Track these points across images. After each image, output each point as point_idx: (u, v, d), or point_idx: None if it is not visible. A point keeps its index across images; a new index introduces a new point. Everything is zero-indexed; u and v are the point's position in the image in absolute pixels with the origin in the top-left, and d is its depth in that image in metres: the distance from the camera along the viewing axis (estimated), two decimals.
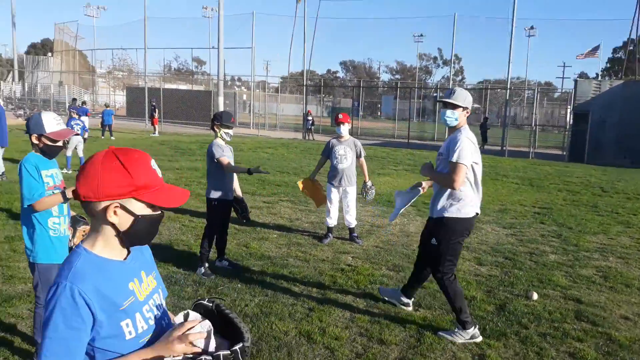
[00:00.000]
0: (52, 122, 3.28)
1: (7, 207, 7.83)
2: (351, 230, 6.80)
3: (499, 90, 55.35)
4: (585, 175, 15.56)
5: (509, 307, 4.66)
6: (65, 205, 3.38)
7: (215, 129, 5.35)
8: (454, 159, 3.81)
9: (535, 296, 4.88)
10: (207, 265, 5.26)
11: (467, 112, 4.02)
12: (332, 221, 6.75)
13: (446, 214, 3.92)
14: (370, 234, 7.21)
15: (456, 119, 3.97)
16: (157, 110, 25.07)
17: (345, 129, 6.64)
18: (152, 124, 24.84)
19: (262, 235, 6.88)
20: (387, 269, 5.67)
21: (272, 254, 6.04)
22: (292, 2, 54.53)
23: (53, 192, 3.25)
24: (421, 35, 55.25)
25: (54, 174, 3.33)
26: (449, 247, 3.94)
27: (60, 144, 3.38)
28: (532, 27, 52.59)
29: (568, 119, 23.92)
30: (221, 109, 32.16)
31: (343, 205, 6.79)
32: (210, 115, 30.69)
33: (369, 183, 6.92)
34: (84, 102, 22.42)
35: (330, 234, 6.80)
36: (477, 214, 4.01)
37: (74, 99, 23.74)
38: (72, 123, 11.58)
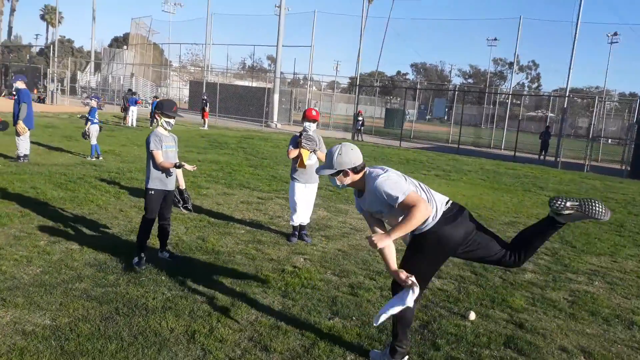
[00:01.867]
0: None
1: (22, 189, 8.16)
2: (302, 227, 6.56)
3: (581, 99, 52.43)
4: (635, 193, 14.26)
5: (432, 325, 4.24)
6: None
7: (157, 117, 5.28)
8: (398, 200, 3.18)
9: (472, 316, 4.42)
10: (142, 255, 5.18)
11: (353, 171, 3.39)
12: (298, 220, 6.51)
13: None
14: (344, 237, 6.89)
15: (342, 185, 3.47)
16: (207, 104, 25.64)
17: (313, 126, 6.38)
18: (203, 117, 25.43)
19: (228, 230, 6.75)
20: (332, 274, 5.36)
21: (223, 249, 5.89)
22: (360, 3, 54.19)
23: None
24: (495, 39, 53.36)
25: None
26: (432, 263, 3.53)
27: None
28: (615, 34, 49.34)
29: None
30: (276, 106, 32.56)
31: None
32: (264, 112, 31.17)
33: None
34: (133, 93, 23.35)
35: (296, 233, 6.56)
36: None
37: (130, 90, 24.73)
38: (95, 113, 11.95)
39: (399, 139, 26.67)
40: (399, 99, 64.23)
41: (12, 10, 60.80)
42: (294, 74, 49.36)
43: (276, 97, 32.56)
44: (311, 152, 6.24)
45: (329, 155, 3.43)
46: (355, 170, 3.39)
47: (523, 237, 3.50)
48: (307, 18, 38.27)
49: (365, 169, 3.44)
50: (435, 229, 3.31)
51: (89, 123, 11.91)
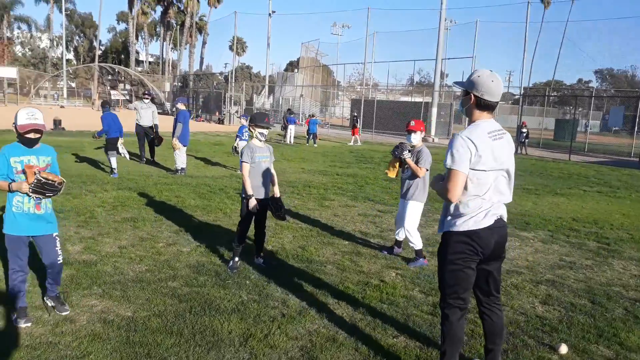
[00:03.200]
0: (23, 117, 3.85)
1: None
2: (398, 243, 6.24)
3: None
4: None
5: (509, 355, 3.72)
6: None
7: (251, 129, 5.52)
8: (447, 164, 3.05)
9: (563, 349, 3.78)
10: (236, 259, 5.45)
11: (481, 100, 3.05)
12: (402, 234, 6.25)
13: (445, 229, 3.22)
14: None
15: (462, 108, 3.24)
16: (357, 121, 26.14)
17: (416, 137, 6.04)
18: (353, 133, 25.96)
19: (332, 240, 6.76)
20: (420, 291, 5.02)
21: (318, 258, 5.92)
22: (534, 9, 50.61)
23: (19, 176, 3.83)
24: None
25: (25, 160, 3.88)
26: (445, 270, 3.17)
27: (31, 135, 3.90)
28: None
29: None
30: (434, 120, 31.92)
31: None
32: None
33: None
34: (292, 112, 24.77)
35: (396, 247, 6.31)
36: (491, 225, 3.07)
37: (289, 109, 26.32)
38: (243, 130, 12.90)
39: (568, 152, 24.19)
40: (579, 109, 58.41)
41: (204, 43, 69.18)
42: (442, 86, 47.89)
43: (434, 110, 31.93)
44: (402, 159, 5.95)
45: (475, 74, 3.16)
46: (479, 103, 3.05)
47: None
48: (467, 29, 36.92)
49: (486, 118, 3.09)
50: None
51: (238, 139, 12.95)
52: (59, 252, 4.08)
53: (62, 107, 51.06)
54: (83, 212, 7.56)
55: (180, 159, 11.92)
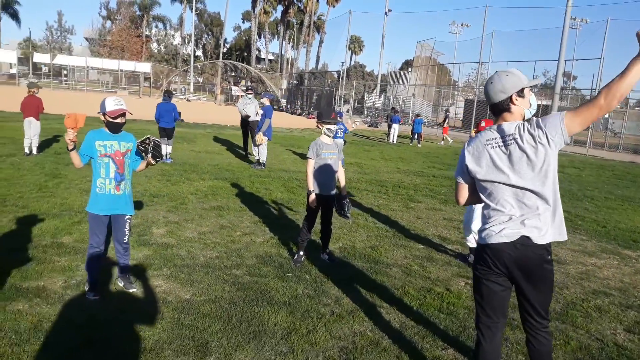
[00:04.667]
0: (111, 103, 4.22)
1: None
2: (473, 251, 5.89)
3: None
4: None
5: None
6: (112, 170, 4.26)
7: (319, 126, 5.52)
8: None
9: None
10: (301, 253, 5.50)
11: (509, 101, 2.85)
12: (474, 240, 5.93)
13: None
14: None
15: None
16: (448, 119, 25.37)
17: None
18: (443, 132, 25.05)
19: (407, 243, 6.57)
20: None
21: (386, 260, 5.78)
22: None
23: (102, 159, 4.19)
24: None
25: (108, 145, 4.24)
26: (473, 283, 3.07)
27: (119, 120, 4.27)
28: None
29: None
30: None
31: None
32: None
33: None
34: (396, 111, 24.42)
35: (471, 255, 5.97)
36: (508, 242, 2.82)
37: (393, 108, 26.00)
38: (337, 128, 12.93)
39: None
40: None
41: (321, 41, 70.62)
42: (591, 89, 44.15)
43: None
44: None
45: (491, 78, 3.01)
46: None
47: None
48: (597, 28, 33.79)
49: (500, 121, 2.87)
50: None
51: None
52: (127, 233, 4.39)
53: (188, 100, 55.03)
54: (176, 198, 8.07)
55: (263, 152, 12.15)
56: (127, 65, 56.94)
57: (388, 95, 49.82)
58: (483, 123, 5.78)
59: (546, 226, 2.84)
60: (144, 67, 57.66)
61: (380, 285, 4.98)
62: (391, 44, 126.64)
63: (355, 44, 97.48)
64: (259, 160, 12.18)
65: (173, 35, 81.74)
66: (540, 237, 2.82)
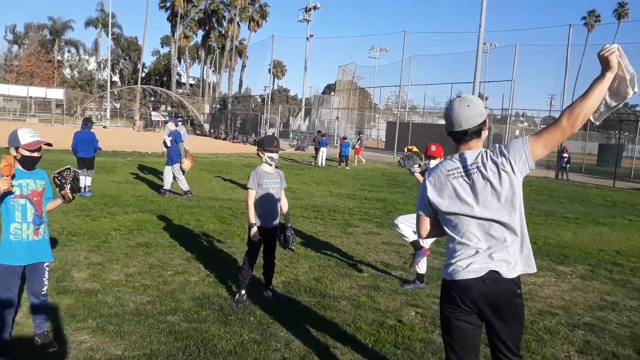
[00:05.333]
0: (26, 135, 3.68)
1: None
2: (420, 277, 5.82)
3: None
4: None
5: None
6: (30, 212, 3.72)
7: (260, 154, 5.21)
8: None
9: None
10: (243, 292, 5.10)
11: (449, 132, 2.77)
12: (424, 265, 5.80)
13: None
14: None
15: None
16: (360, 141, 26.12)
17: (436, 163, 5.61)
18: (355, 153, 25.58)
19: (351, 272, 6.33)
20: (440, 334, 4.54)
21: (332, 292, 5.51)
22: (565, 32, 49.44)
23: (17, 201, 3.63)
24: None
25: (23, 184, 3.69)
26: (441, 323, 2.84)
27: (37, 154, 3.74)
28: None
29: None
30: None
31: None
32: (455, 150, 30.03)
33: None
34: (323, 135, 24.54)
35: (417, 281, 5.84)
36: (476, 277, 2.64)
37: (319, 131, 26.13)
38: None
39: (612, 178, 23.03)
40: (625, 133, 56.15)
41: (243, 66, 70.31)
42: (502, 109, 46.69)
43: None
44: (411, 173, 5.66)
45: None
46: (450, 135, 2.76)
47: None
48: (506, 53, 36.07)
49: (462, 150, 2.72)
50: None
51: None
52: (46, 282, 3.83)
53: (104, 127, 52.56)
54: (98, 235, 7.39)
55: (168, 179, 11.56)
56: (37, 91, 53.69)
57: (313, 118, 50.19)
58: (434, 148, 5.68)
59: (515, 259, 2.69)
60: (56, 93, 54.64)
61: (330, 322, 4.68)
62: (314, 68, 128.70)
63: (278, 69, 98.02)
64: (186, 191, 11.58)
65: (87, 60, 78.41)
66: (510, 271, 2.66)
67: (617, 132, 35.59)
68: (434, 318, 4.90)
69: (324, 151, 22.97)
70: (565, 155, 24.77)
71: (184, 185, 11.53)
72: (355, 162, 25.42)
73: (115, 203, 10.04)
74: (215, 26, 67.45)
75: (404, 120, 39.30)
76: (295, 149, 34.80)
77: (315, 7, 46.57)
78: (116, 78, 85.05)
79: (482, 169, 2.63)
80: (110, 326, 4.32)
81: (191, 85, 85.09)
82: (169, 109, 66.44)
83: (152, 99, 72.63)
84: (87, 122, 11.09)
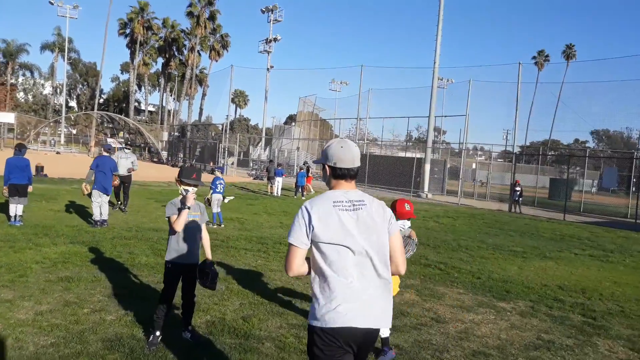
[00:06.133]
0: None
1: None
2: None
3: None
4: None
5: None
6: None
7: (177, 184, 4.90)
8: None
9: None
10: (157, 334, 4.72)
11: (335, 169, 2.79)
12: None
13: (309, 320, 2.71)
14: (417, 329, 5.69)
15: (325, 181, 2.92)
16: (309, 170, 26.17)
17: (407, 223, 5.34)
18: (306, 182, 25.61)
19: (285, 310, 6.02)
20: None
21: (259, 332, 5.17)
22: (523, 70, 51.49)
23: None
24: None
25: None
26: None
27: None
28: None
29: None
30: (427, 176, 31.51)
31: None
32: (411, 182, 30.24)
33: None
34: (279, 164, 24.34)
35: None
36: (360, 327, 2.57)
37: (271, 161, 25.91)
38: (217, 182, 12.38)
39: (563, 211, 23.57)
40: (577, 168, 58.21)
41: (204, 94, 69.88)
42: (459, 142, 47.70)
43: (427, 167, 31.55)
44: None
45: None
46: (335, 172, 2.80)
47: None
48: (477, 87, 37.13)
49: (343, 187, 2.80)
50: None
51: (211, 191, 12.37)
52: None
53: (57, 152, 50.96)
54: (16, 269, 6.86)
55: (95, 209, 11.02)
56: None
57: (273, 148, 50.06)
58: (407, 207, 5.20)
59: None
60: (7, 117, 52.80)
61: None
62: (276, 98, 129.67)
63: (240, 98, 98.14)
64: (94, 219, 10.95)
65: (43, 85, 76.51)
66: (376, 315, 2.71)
67: (567, 166, 37.02)
68: None
69: (279, 181, 22.70)
70: (518, 188, 25.25)
71: (95, 213, 10.90)
72: (306, 193, 25.12)
73: (46, 233, 9.46)
74: (176, 54, 67.16)
75: (363, 152, 39.55)
76: (254, 178, 34.43)
77: (275, 39, 47.05)
78: (73, 103, 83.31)
79: (368, 207, 2.76)
80: None
81: (150, 112, 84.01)
82: (126, 135, 65.21)
83: (110, 125, 71.20)
84: (21, 148, 10.52)
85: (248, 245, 10.01)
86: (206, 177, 26.67)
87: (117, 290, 6.30)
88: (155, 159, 52.26)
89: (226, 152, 39.68)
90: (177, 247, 4.72)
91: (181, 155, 48.88)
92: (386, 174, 33.92)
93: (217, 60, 65.69)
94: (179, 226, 4.60)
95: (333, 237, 2.61)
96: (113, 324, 5.13)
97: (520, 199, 25.43)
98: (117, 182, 11.82)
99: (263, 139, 52.28)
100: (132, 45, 63.79)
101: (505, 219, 20.69)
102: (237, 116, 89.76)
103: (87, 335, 4.76)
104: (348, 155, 2.76)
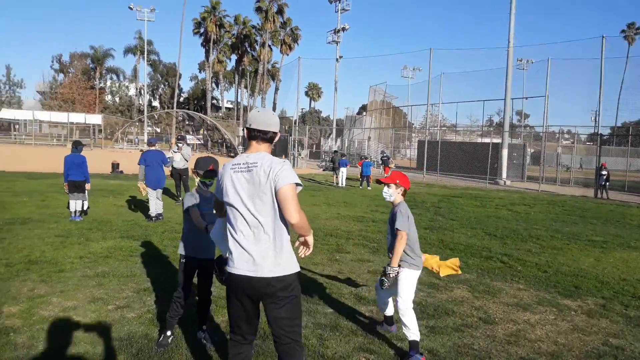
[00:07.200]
0: None
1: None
2: (388, 320, 4.99)
3: None
4: None
5: None
6: None
7: (194, 176, 4.60)
8: None
9: None
10: (169, 333, 4.47)
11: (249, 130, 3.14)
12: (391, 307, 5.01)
13: None
14: (460, 331, 5.07)
15: None
16: (389, 160, 25.30)
17: (389, 192, 4.72)
18: (386, 173, 24.77)
19: (315, 307, 5.59)
20: None
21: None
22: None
23: None
24: None
25: None
26: None
27: None
28: None
29: None
30: (504, 162, 29.81)
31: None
32: (489, 169, 28.62)
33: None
34: (343, 154, 23.86)
35: (385, 324, 5.05)
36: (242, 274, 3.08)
37: (336, 151, 25.46)
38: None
39: None
40: None
41: (276, 89, 70.62)
42: (543, 126, 44.85)
43: (505, 152, 29.83)
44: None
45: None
46: (249, 134, 3.17)
47: None
48: (560, 67, 34.52)
49: (253, 150, 3.14)
50: None
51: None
52: None
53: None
54: (58, 264, 6.94)
55: (152, 204, 10.99)
56: (77, 117, 55.40)
57: (345, 139, 49.65)
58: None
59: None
60: (95, 118, 56.25)
61: None
62: (349, 88, 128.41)
63: (314, 91, 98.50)
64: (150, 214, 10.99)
65: (127, 87, 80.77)
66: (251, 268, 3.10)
67: None
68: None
69: (343, 171, 22.26)
70: (604, 172, 23.20)
71: (151, 207, 10.97)
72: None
73: (100, 228, 9.64)
74: (248, 50, 68.28)
75: (433, 139, 38.18)
76: (323, 170, 34.21)
77: (343, 29, 46.45)
78: (156, 103, 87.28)
79: (253, 165, 3.08)
80: None
81: (228, 109, 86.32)
82: (204, 132, 67.44)
83: (189, 122, 73.98)
84: (77, 145, 10.79)
85: (294, 236, 9.66)
86: None
87: (148, 285, 6.16)
88: (231, 154, 53.58)
89: (296, 144, 39.73)
90: (192, 241, 4.45)
91: None
92: (460, 161, 32.50)
93: (287, 54, 66.14)
94: (198, 222, 4.31)
95: (225, 195, 3.07)
96: (131, 321, 4.95)
97: (607, 183, 23.35)
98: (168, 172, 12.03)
99: (334, 130, 52.02)
100: (206, 43, 65.65)
101: (589, 205, 19.01)
102: (310, 109, 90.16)
103: (102, 332, 4.60)
104: (261, 118, 3.08)
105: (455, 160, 32.63)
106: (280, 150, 42.81)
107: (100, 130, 60.09)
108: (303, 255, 3.21)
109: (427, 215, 13.69)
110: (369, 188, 21.76)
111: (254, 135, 3.07)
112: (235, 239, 3.03)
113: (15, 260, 7.02)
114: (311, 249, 3.26)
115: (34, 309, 5.18)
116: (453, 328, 5.11)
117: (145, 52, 62.65)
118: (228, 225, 3.09)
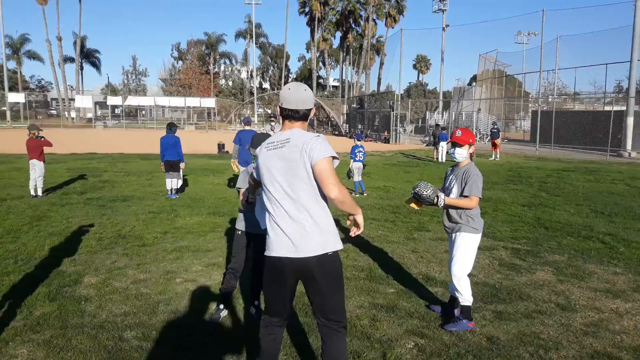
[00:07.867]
0: None
1: None
2: (452, 302, 4.59)
3: None
4: None
5: None
6: None
7: (252, 153, 4.55)
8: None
9: None
10: (221, 307, 4.54)
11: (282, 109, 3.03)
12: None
13: None
14: (530, 317, 4.59)
15: None
16: (499, 133, 23.33)
17: (462, 152, 4.45)
18: (493, 148, 23.12)
19: (376, 286, 5.38)
20: None
21: None
22: None
23: None
24: None
25: None
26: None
27: None
28: None
29: None
30: (630, 131, 26.92)
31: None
32: (608, 139, 25.90)
33: None
34: (443, 128, 22.85)
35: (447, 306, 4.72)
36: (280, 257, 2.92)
37: (437, 125, 24.42)
38: (356, 151, 11.96)
39: None
40: None
41: (381, 63, 69.46)
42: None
43: (630, 120, 26.83)
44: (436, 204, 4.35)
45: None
46: (282, 113, 3.08)
47: None
48: None
49: (287, 127, 3.05)
50: None
51: (351, 160, 12.01)
52: None
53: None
54: (144, 239, 7.38)
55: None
56: (193, 101, 58.89)
57: (452, 111, 47.72)
58: (459, 133, 4.52)
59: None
60: (209, 102, 59.42)
61: (306, 353, 3.88)
62: (458, 59, 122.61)
63: (422, 63, 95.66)
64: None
65: (239, 70, 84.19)
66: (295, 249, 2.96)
67: None
68: (431, 354, 3.84)
69: (443, 146, 21.40)
70: None
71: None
72: (496, 157, 23.14)
73: (190, 205, 10.13)
74: (353, 26, 67.72)
75: (547, 109, 35.35)
76: (426, 145, 33.24)
77: None
78: (267, 85, 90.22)
79: (285, 141, 3.00)
80: (60, 340, 4.03)
81: (335, 87, 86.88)
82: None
83: None
84: (171, 127, 11.37)
85: (379, 215, 9.44)
86: (381, 147, 25.83)
87: (219, 260, 6.34)
88: (336, 132, 53.96)
89: (398, 119, 38.92)
90: (247, 215, 4.46)
91: (359, 126, 49.58)
92: (578, 132, 29.79)
93: (392, 27, 64.59)
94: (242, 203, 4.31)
95: (261, 175, 3.04)
96: (192, 295, 5.10)
97: None
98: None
99: (441, 103, 50.24)
100: (311, 22, 66.17)
101: None
102: (417, 82, 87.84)
103: (159, 307, 4.78)
104: (292, 96, 2.98)
105: (573, 132, 29.95)
106: (382, 126, 42.25)
107: (215, 113, 63.46)
108: (354, 235, 3.03)
109: (528, 192, 12.71)
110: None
111: (286, 114, 3.02)
112: (273, 220, 2.94)
113: (107, 234, 7.58)
114: (362, 229, 3.05)
115: (109, 280, 5.54)
116: (523, 314, 4.64)
117: (254, 35, 64.62)
118: (265, 206, 3.02)
